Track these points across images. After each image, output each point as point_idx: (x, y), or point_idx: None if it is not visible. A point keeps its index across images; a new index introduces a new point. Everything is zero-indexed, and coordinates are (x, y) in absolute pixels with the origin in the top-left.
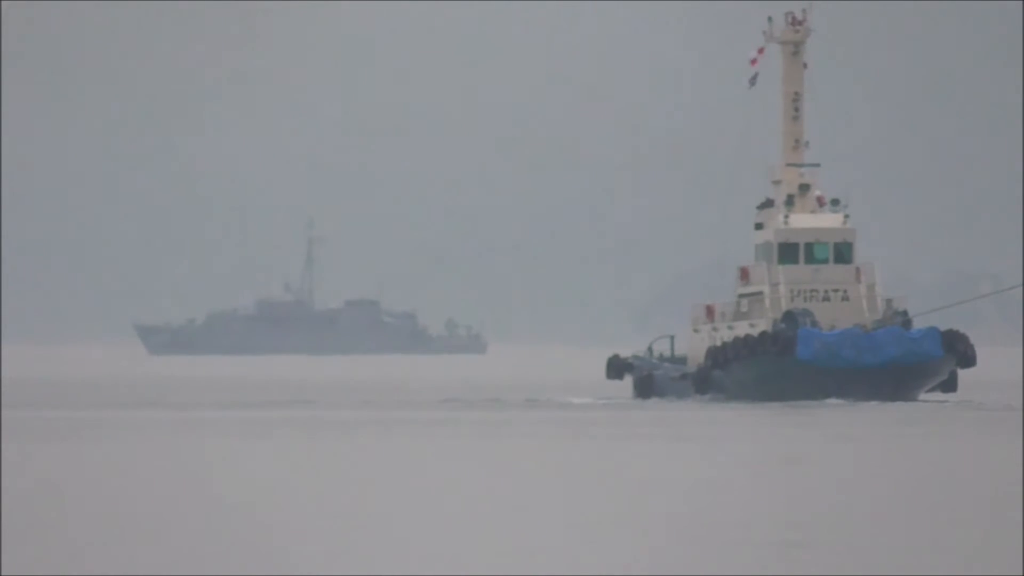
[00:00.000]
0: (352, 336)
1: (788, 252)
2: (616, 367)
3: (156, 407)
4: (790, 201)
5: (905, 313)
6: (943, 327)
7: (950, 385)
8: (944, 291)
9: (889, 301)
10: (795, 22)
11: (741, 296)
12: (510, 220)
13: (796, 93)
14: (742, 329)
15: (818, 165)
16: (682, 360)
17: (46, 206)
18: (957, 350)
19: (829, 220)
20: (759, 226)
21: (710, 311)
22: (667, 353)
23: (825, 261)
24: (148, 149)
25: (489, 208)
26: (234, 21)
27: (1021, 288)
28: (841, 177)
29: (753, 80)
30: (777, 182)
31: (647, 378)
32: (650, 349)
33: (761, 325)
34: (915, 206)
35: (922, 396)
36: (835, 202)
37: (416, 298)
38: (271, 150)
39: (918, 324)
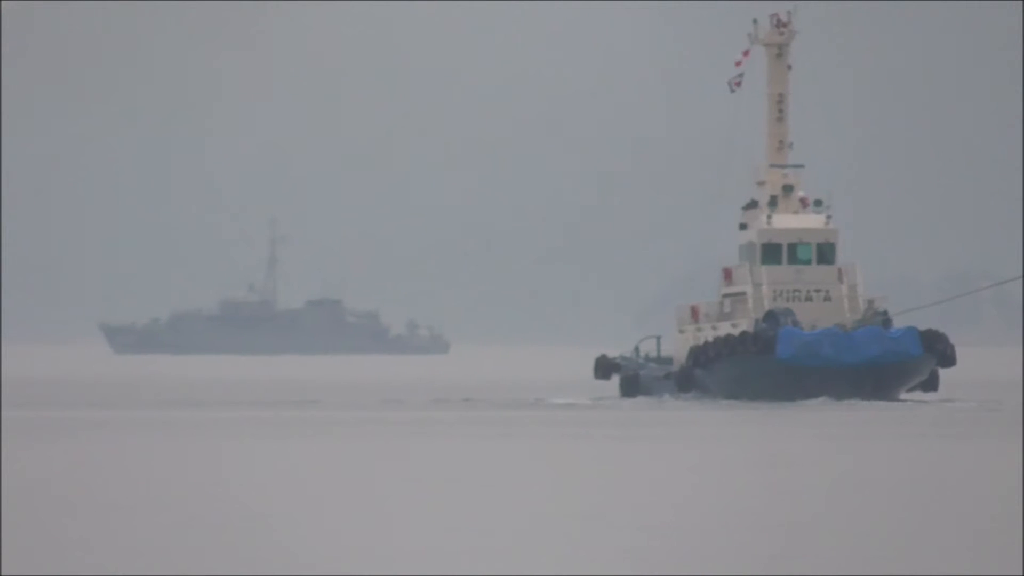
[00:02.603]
0: (315, 336)
1: (771, 253)
2: (603, 367)
3: (137, 407)
4: (773, 202)
5: (885, 313)
6: (941, 328)
7: (931, 384)
8: (945, 292)
9: (871, 301)
10: (780, 24)
11: (725, 296)
12: (484, 220)
13: (781, 95)
14: (725, 329)
15: (802, 166)
16: (668, 360)
17: (10, 207)
18: (936, 349)
19: (812, 221)
20: (743, 227)
21: (695, 311)
22: (653, 353)
23: (808, 262)
24: (111, 150)
25: (459, 207)
26: (198, 22)
27: (1019, 283)
28: (828, 179)
29: (738, 82)
30: (761, 183)
31: (633, 378)
32: (637, 349)
33: (743, 325)
34: (914, 207)
35: (905, 396)
36: (818, 203)
37: (381, 297)
38: (234, 149)
39: (916, 323)
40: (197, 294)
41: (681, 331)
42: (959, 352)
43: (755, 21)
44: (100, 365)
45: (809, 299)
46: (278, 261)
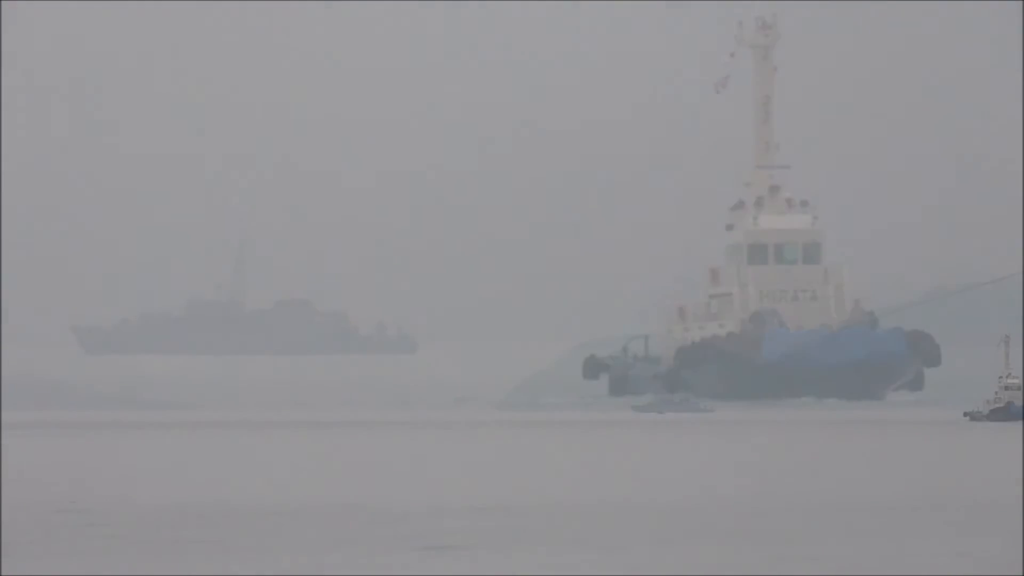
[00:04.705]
0: (283, 336)
1: (757, 253)
2: (593, 367)
3: (112, 407)
4: (760, 203)
5: (872, 313)
6: (940, 327)
7: (917, 384)
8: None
9: (857, 301)
10: (764, 26)
11: (711, 297)
12: (466, 220)
13: (766, 96)
14: (712, 329)
15: (788, 167)
16: (657, 360)
17: None
18: (921, 349)
19: (798, 222)
20: (730, 227)
21: (683, 312)
22: (641, 353)
23: (794, 262)
24: (79, 147)
25: (445, 207)
26: (170, 19)
27: (1018, 283)
28: (817, 179)
29: (723, 84)
30: (748, 184)
31: (622, 377)
32: (625, 349)
33: (730, 326)
34: (913, 206)
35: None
36: (804, 204)
37: (350, 298)
38: (204, 149)
39: (915, 323)
40: (166, 295)
41: (669, 331)
42: (959, 351)
43: (740, 24)
44: (73, 365)
45: (795, 299)
46: (246, 261)
